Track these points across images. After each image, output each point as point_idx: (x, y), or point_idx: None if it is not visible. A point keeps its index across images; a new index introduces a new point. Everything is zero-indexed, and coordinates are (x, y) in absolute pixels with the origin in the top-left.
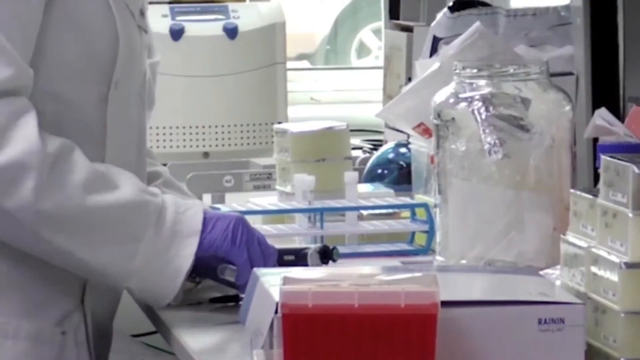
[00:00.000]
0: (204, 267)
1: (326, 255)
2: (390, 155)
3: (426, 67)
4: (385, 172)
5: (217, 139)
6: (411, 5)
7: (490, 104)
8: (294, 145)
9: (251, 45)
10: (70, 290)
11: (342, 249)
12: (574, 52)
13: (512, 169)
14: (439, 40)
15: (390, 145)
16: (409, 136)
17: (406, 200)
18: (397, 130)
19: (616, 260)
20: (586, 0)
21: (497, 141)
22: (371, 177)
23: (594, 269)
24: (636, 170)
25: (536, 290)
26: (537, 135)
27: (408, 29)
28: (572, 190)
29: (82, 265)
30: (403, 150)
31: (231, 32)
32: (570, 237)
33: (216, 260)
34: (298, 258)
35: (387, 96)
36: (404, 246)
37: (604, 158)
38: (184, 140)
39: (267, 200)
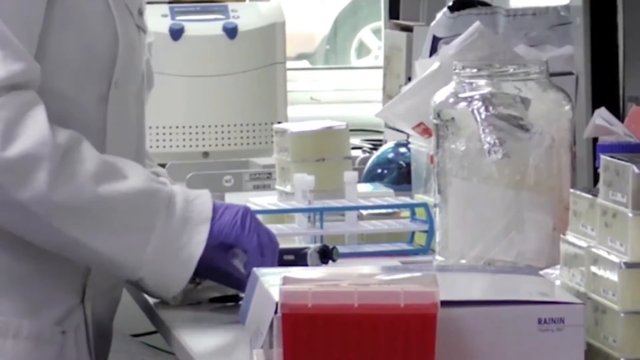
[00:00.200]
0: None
1: (326, 255)
2: (390, 155)
3: (426, 67)
4: (385, 171)
5: (216, 139)
6: (411, 5)
7: (490, 103)
8: (293, 145)
9: (251, 45)
10: (70, 290)
11: (341, 249)
12: (573, 52)
13: (512, 168)
14: (439, 40)
15: (390, 145)
16: (408, 136)
17: (406, 200)
18: (397, 130)
19: (616, 260)
20: (586, 0)
21: (496, 141)
22: (371, 176)
23: (593, 268)
24: (636, 170)
25: (536, 290)
26: (536, 135)
27: (408, 29)
28: (571, 190)
29: (94, 255)
30: (403, 150)
31: (231, 31)
32: (570, 237)
33: (223, 250)
34: (298, 258)
35: (387, 96)
36: (404, 246)
37: (603, 158)
38: (184, 140)
39: (266, 200)
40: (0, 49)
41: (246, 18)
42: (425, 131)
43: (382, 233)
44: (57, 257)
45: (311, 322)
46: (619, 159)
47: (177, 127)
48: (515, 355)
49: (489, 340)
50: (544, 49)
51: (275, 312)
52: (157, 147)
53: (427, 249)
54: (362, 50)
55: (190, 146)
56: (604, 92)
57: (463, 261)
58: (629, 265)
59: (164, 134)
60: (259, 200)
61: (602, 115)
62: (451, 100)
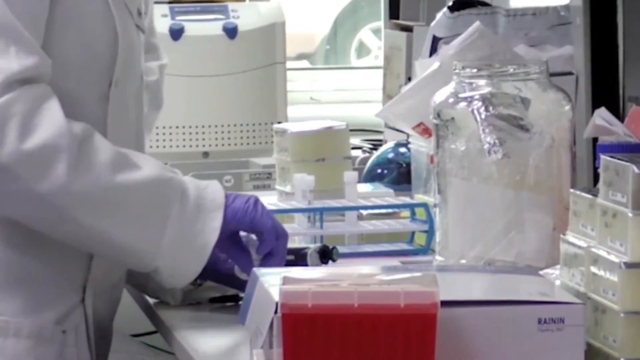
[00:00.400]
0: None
1: (326, 255)
2: (390, 155)
3: (426, 67)
4: (385, 171)
5: (216, 139)
6: (411, 5)
7: (489, 103)
8: (293, 145)
9: (251, 45)
10: (71, 290)
11: (341, 249)
12: (573, 52)
13: (512, 168)
14: (439, 40)
15: (389, 145)
16: (408, 136)
17: (406, 200)
18: (397, 130)
19: (616, 260)
20: (586, 0)
21: (496, 141)
22: (371, 176)
23: (593, 268)
24: (636, 170)
25: (536, 290)
26: (536, 135)
27: (408, 29)
28: (571, 190)
29: (111, 245)
30: (403, 150)
31: (231, 31)
32: (570, 237)
33: (235, 240)
34: (298, 258)
35: (387, 96)
36: (404, 246)
37: (603, 158)
38: (184, 140)
39: (266, 200)
40: (13, 44)
41: (246, 18)
42: (425, 131)
43: (382, 233)
44: (58, 257)
45: (311, 322)
46: (619, 159)
47: (177, 127)
48: (515, 355)
49: (489, 340)
50: (544, 49)
51: (275, 312)
52: (157, 147)
53: (427, 249)
54: (362, 50)
55: (190, 146)
56: (604, 92)
57: (463, 261)
58: (629, 265)
59: (164, 134)
60: None
61: (602, 115)
62: (451, 100)
